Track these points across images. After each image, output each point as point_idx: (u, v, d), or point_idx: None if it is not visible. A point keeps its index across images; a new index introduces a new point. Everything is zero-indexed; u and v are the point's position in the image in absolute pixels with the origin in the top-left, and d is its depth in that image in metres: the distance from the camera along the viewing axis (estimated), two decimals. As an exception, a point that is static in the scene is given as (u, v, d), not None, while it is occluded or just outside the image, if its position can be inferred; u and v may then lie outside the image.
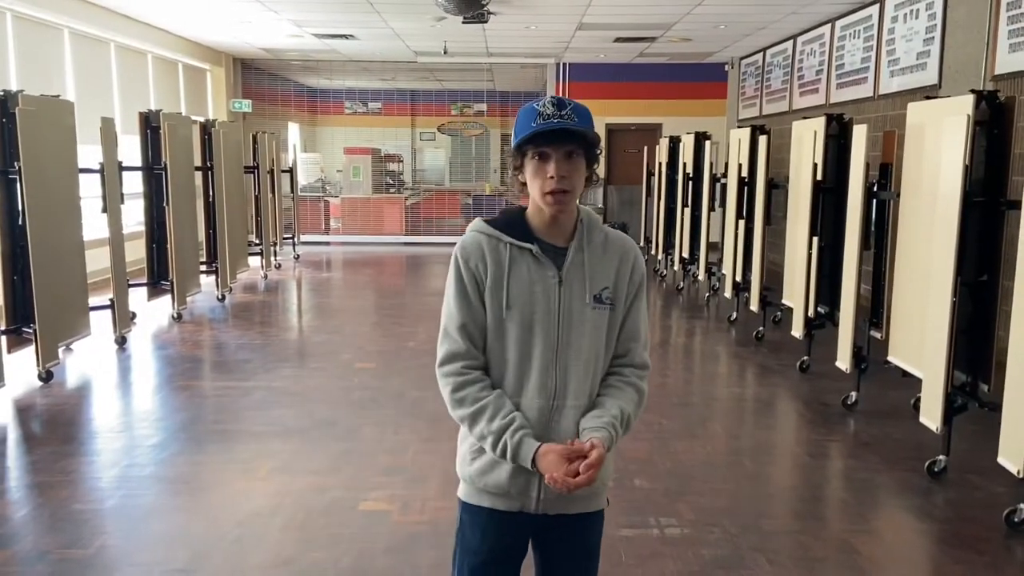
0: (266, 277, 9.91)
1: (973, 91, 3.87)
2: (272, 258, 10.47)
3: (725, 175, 7.78)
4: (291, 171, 12.20)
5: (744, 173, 7.13)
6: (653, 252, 10.32)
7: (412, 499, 3.55)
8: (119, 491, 3.64)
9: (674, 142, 9.43)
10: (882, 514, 3.60)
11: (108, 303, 6.18)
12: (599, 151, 1.69)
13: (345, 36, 11.34)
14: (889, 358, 4.69)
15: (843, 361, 5.02)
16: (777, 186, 6.64)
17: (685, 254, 8.94)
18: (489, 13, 8.86)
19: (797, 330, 5.81)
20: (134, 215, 7.50)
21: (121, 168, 6.56)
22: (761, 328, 6.75)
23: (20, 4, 7.76)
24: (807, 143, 5.68)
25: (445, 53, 12.50)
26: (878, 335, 4.93)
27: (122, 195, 6.47)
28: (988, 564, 3.09)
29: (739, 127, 8.83)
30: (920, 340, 4.17)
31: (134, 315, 6.88)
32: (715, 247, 8.31)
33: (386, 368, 5.84)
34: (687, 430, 4.58)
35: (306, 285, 10.07)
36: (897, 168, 4.76)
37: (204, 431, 4.48)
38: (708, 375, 6.17)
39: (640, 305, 1.75)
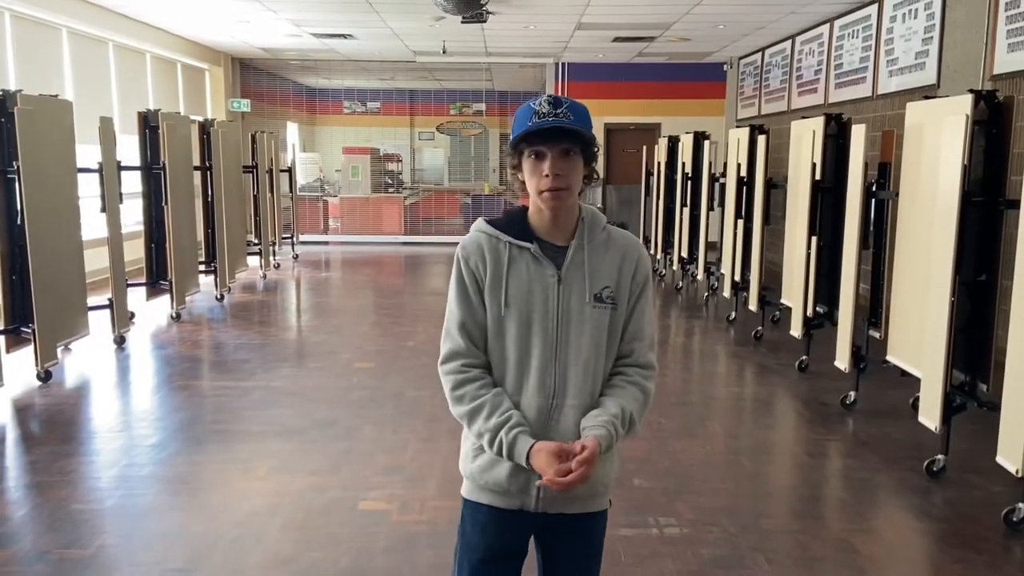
0: (265, 277, 9.90)
1: (972, 91, 3.87)
2: (271, 258, 10.46)
3: (724, 175, 7.79)
4: (290, 171, 12.19)
5: (743, 173, 7.14)
6: (652, 252, 10.32)
7: (411, 499, 3.55)
8: (118, 491, 3.64)
9: (673, 142, 9.44)
10: (881, 513, 3.60)
11: (107, 303, 6.18)
12: (597, 149, 1.68)
13: (344, 36, 11.34)
14: (888, 357, 4.69)
15: (842, 360, 5.03)
16: (776, 186, 6.64)
17: (684, 254, 8.94)
18: (488, 13, 8.85)
19: (796, 329, 5.81)
20: (133, 215, 7.49)
21: (120, 168, 6.55)
22: (760, 327, 6.76)
23: (18, 3, 7.75)
24: (806, 143, 5.68)
25: (444, 53, 12.50)
26: (877, 335, 4.94)
27: (121, 195, 6.47)
28: (987, 563, 3.09)
29: (738, 127, 8.84)
30: (919, 339, 4.17)
31: (133, 315, 6.87)
32: (714, 247, 8.32)
33: (385, 368, 5.83)
34: (686, 429, 4.58)
35: (305, 285, 10.06)
36: (896, 168, 4.76)
37: (203, 431, 4.48)
38: (707, 374, 6.18)
39: (644, 305, 1.73)
